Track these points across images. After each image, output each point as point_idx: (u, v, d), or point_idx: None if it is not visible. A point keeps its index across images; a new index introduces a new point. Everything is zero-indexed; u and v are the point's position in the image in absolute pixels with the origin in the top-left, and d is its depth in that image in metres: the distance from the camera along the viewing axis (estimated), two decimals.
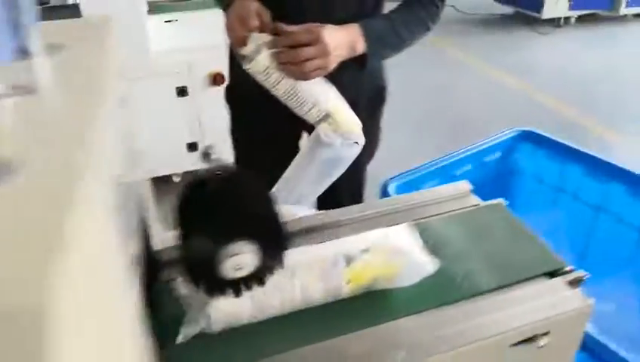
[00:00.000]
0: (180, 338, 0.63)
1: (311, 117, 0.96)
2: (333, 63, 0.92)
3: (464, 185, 0.93)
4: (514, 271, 0.75)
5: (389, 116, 3.22)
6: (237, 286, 0.61)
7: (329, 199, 1.44)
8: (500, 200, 0.91)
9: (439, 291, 0.71)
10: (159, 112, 2.25)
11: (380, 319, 0.66)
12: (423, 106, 3.31)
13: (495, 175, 1.45)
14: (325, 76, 1.09)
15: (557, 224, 1.43)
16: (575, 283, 0.73)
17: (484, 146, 1.42)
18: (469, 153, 1.39)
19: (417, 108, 3.29)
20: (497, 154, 1.45)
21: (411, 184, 1.26)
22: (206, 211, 0.60)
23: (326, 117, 0.96)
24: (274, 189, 1.07)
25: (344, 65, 1.05)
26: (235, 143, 1.34)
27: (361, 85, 1.20)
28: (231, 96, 1.28)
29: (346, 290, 0.68)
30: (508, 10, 4.84)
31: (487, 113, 3.12)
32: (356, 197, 1.41)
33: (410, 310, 0.68)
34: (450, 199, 0.91)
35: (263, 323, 0.66)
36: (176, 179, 2.62)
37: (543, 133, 1.45)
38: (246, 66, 0.90)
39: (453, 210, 0.89)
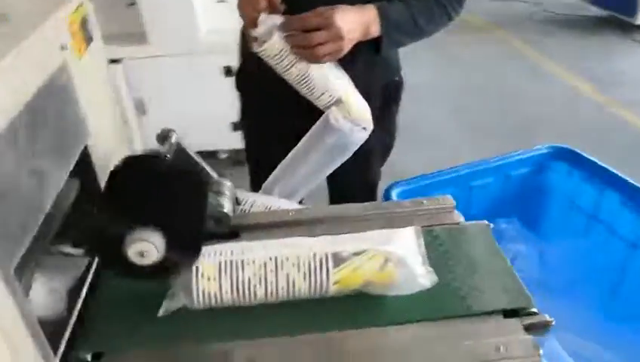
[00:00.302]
0: (161, 311, 0.63)
1: (322, 102, 0.94)
2: (346, 47, 0.89)
3: (448, 200, 0.85)
4: (474, 302, 0.68)
5: (447, 112, 3.08)
6: (140, 272, 0.59)
7: (339, 198, 1.40)
8: (484, 222, 0.82)
9: (392, 309, 0.67)
10: (205, 90, 2.30)
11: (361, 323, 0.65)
12: (486, 106, 3.12)
13: (521, 191, 1.32)
14: (345, 64, 1.06)
15: (587, 255, 1.29)
16: (535, 328, 0.64)
17: (511, 159, 1.30)
18: (492, 165, 1.28)
19: (479, 106, 3.11)
20: (525, 170, 1.32)
21: (418, 191, 1.18)
22: (123, 191, 0.59)
23: (337, 102, 0.94)
24: (274, 173, 1.04)
25: (357, 56, 1.01)
26: (245, 132, 1.33)
27: (375, 78, 1.15)
28: (241, 83, 1.27)
29: (333, 290, 0.65)
30: (601, 13, 4.44)
31: (557, 123, 2.88)
32: (368, 199, 1.35)
33: (363, 323, 0.65)
34: (431, 213, 0.84)
35: (248, 308, 0.65)
36: (222, 156, 2.68)
37: (582, 153, 1.30)
38: (257, 49, 0.88)
39: (431, 226, 0.81)
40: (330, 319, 0.65)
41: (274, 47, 0.85)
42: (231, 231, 0.80)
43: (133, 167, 0.61)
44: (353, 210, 0.84)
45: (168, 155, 0.73)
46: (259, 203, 0.94)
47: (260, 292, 0.64)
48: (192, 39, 2.18)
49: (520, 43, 4.05)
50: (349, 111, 0.93)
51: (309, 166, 0.98)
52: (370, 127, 0.96)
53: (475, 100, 3.20)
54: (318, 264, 0.64)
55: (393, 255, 0.65)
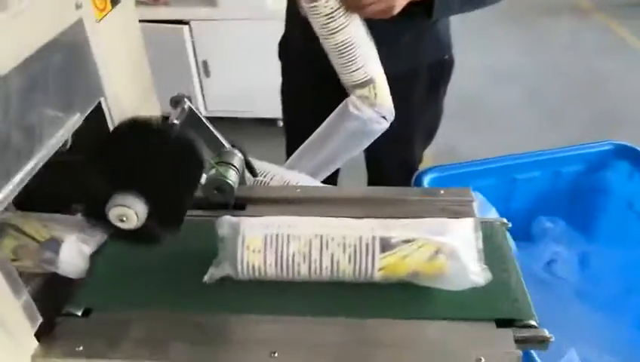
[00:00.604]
0: (206, 278, 0.65)
1: (353, 78, 0.92)
2: (399, 6, 0.87)
3: (467, 193, 0.80)
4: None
5: (523, 95, 2.92)
6: (122, 234, 0.60)
7: (377, 179, 1.37)
8: (502, 220, 0.76)
9: (438, 304, 0.64)
10: (270, 56, 2.30)
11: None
12: (568, 93, 2.88)
13: (572, 189, 1.22)
14: (387, 39, 1.02)
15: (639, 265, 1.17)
16: (529, 343, 0.59)
17: (564, 154, 1.20)
18: (540, 158, 1.18)
19: (561, 93, 2.88)
20: (580, 166, 1.21)
21: (453, 179, 1.12)
22: (116, 152, 0.59)
23: (369, 81, 0.92)
24: (297, 152, 1.04)
25: (406, 27, 1.00)
26: (283, 103, 1.33)
27: (423, 53, 1.11)
28: (283, 52, 1.26)
29: (378, 276, 0.63)
30: None
31: None
32: (406, 181, 1.31)
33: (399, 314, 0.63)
34: (445, 205, 0.79)
35: (292, 284, 0.65)
36: (281, 124, 2.70)
37: None
38: (308, 4, 0.85)
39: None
40: (367, 305, 0.64)
41: (329, 6, 0.84)
42: (236, 203, 0.80)
43: (132, 129, 0.61)
44: (360, 193, 0.81)
45: (177, 121, 0.73)
46: (278, 177, 0.93)
47: (304, 270, 0.63)
48: (260, 4, 2.18)
49: (618, 26, 3.69)
50: (376, 95, 0.91)
51: (326, 152, 0.98)
52: (391, 117, 0.93)
53: (557, 85, 2.97)
54: (364, 247, 0.62)
55: (445, 246, 0.62)
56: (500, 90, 2.86)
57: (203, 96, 2.45)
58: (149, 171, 0.59)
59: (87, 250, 0.68)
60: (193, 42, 2.29)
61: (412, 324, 0.62)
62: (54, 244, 0.67)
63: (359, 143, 0.97)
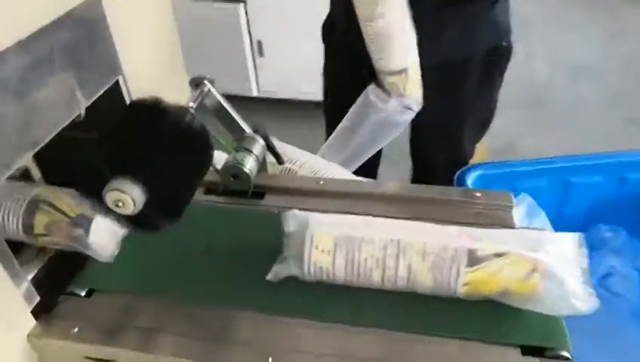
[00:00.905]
0: (269, 276, 0.62)
1: (389, 66, 0.87)
2: None
3: (507, 197, 0.71)
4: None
5: (600, 94, 2.74)
6: (120, 219, 0.57)
7: (423, 172, 1.30)
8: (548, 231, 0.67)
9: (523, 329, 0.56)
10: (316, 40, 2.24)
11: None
12: (632, 84, 2.63)
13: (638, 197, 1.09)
14: (439, 25, 0.98)
15: None
16: None
17: (630, 159, 1.07)
18: (601, 161, 1.06)
19: (624, 83, 2.63)
20: None
21: (499, 179, 1.02)
22: (120, 134, 0.56)
23: (403, 71, 0.87)
24: (327, 142, 1.00)
25: (462, 11, 0.97)
26: (325, 88, 1.29)
27: (479, 38, 1.04)
28: (326, 34, 1.21)
29: (461, 292, 0.57)
30: None
31: None
32: (453, 177, 1.23)
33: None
34: (480, 210, 0.71)
35: (365, 291, 0.60)
36: None
37: None
38: None
39: (476, 224, 0.69)
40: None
41: None
42: (255, 191, 0.76)
43: (140, 112, 0.58)
44: (385, 189, 0.75)
45: (193, 104, 0.70)
46: (308, 165, 0.89)
47: (377, 277, 0.58)
48: None
49: None
50: (405, 87, 0.85)
51: (355, 141, 0.93)
52: (418, 108, 0.87)
53: (638, 83, 2.72)
54: (448, 259, 0.56)
55: (541, 263, 0.54)
56: (571, 83, 2.66)
57: (257, 76, 2.43)
58: (151, 156, 0.56)
59: (120, 231, 0.65)
60: (248, 21, 2.27)
61: (415, 341, 0.55)
62: (85, 221, 0.63)
63: (385, 134, 0.91)
